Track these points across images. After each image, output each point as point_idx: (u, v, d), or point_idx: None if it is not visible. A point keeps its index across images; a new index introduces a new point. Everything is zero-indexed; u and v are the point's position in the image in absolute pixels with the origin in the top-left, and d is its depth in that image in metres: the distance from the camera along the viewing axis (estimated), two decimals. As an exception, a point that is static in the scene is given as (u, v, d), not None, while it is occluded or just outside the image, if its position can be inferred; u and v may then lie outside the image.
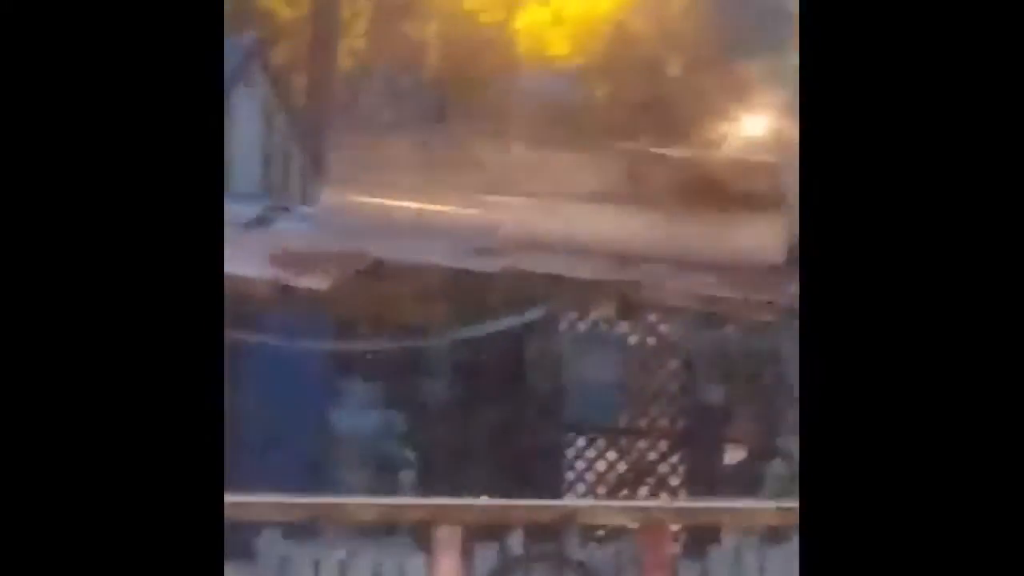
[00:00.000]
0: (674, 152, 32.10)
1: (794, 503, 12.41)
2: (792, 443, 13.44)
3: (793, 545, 11.95)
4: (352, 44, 32.28)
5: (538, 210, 16.81)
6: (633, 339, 14.96)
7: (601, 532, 12.15)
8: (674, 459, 14.93)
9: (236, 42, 27.84)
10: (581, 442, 15.10)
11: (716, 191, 19.18)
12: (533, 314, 13.19)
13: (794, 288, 13.15)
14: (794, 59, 33.51)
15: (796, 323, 12.94)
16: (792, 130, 31.81)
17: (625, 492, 14.49)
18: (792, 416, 13.25)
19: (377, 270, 12.63)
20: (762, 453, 14.12)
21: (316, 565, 11.60)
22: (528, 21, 30.59)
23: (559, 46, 30.62)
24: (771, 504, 12.64)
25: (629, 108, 31.30)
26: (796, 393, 12.94)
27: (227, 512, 11.55)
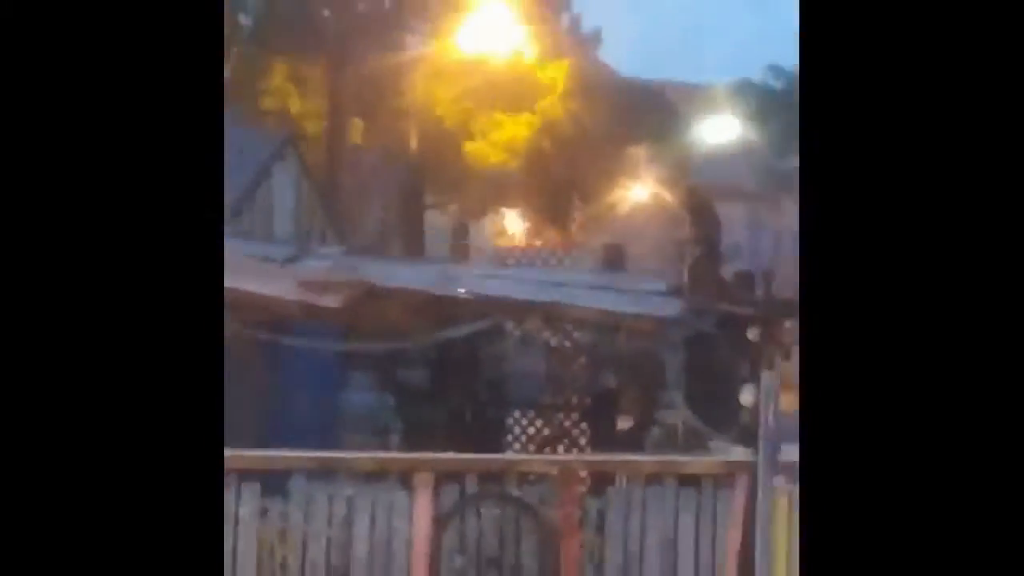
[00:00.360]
0: (579, 217, 32.32)
1: (670, 457, 12.49)
2: (666, 415, 13.45)
3: (667, 486, 12.07)
4: (355, 140, 32.28)
5: (487, 253, 16.94)
6: (554, 342, 14.97)
7: (531, 477, 12.13)
8: (582, 426, 14.94)
9: (276, 136, 27.88)
10: (517, 414, 15.12)
11: (614, 244, 19.14)
12: (484, 324, 13.18)
13: (671, 306, 13.26)
14: (668, 144, 33.33)
15: (669, 331, 13.00)
16: (666, 195, 31.92)
17: (548, 449, 14.47)
18: (663, 396, 13.23)
19: (374, 293, 12.61)
20: (643, 422, 14.11)
21: (330, 500, 11.55)
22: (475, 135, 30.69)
23: (496, 154, 30.65)
24: (650, 458, 12.69)
25: (552, 181, 31.31)
26: (667, 378, 13.04)
27: (268, 463, 11.56)
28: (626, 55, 35.22)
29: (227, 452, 11.42)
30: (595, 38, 34.63)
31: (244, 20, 31.21)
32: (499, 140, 30.33)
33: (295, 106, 31.25)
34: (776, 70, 30.24)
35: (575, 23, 34.21)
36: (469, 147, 30.31)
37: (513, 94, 30.36)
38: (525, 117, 30.34)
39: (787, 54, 30.33)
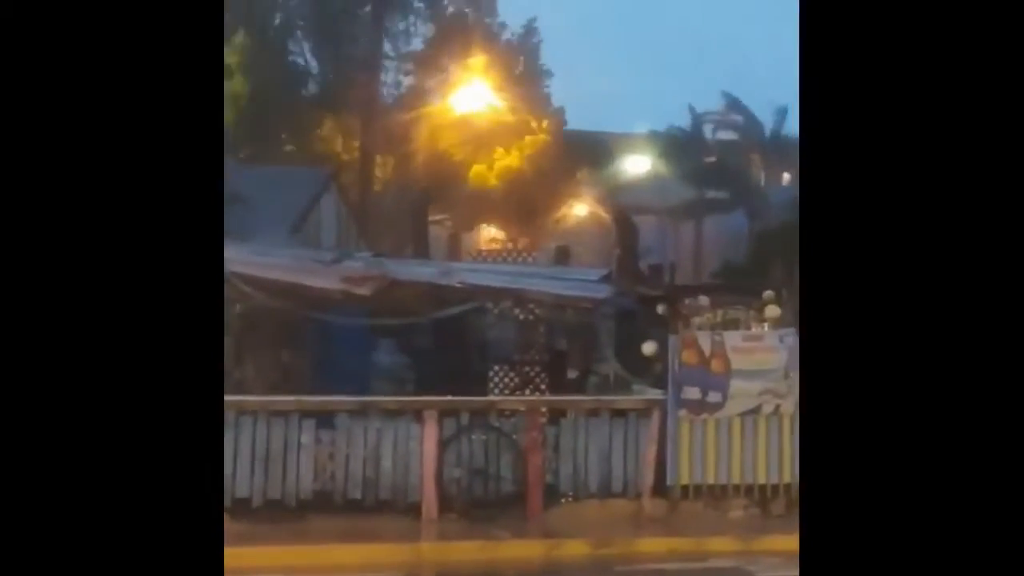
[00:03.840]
0: (538, 227, 32.25)
1: (605, 397, 12.50)
2: (601, 368, 13.46)
3: (603, 417, 12.14)
4: (381, 173, 32.19)
5: (473, 254, 16.97)
6: (521, 317, 14.95)
7: (507, 412, 12.14)
8: (542, 376, 14.93)
9: (323, 170, 27.80)
10: (496, 368, 15.07)
11: (563, 246, 19.09)
12: (472, 305, 13.19)
13: (603, 290, 13.34)
14: (602, 175, 33.27)
15: (602, 308, 13.09)
16: (600, 211, 31.93)
17: (518, 392, 14.47)
18: (599, 354, 13.23)
19: (394, 284, 12.61)
20: (584, 373, 14.13)
21: (365, 431, 11.59)
22: (475, 165, 30.57)
23: (489, 178, 30.53)
24: (591, 398, 12.71)
25: (520, 203, 31.24)
26: (602, 341, 13.13)
27: (321, 405, 11.53)
28: (573, 109, 34.91)
29: (291, 397, 11.52)
30: (552, 101, 34.53)
31: (312, 88, 31.12)
32: (499, 167, 30.26)
33: (338, 149, 31.27)
34: (681, 120, 30.27)
35: (542, 90, 34.12)
36: (474, 170, 30.21)
37: (493, 138, 30.31)
38: (513, 152, 30.27)
39: (682, 113, 30.43)
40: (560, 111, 34.15)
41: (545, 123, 31.79)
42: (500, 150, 30.28)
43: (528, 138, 30.72)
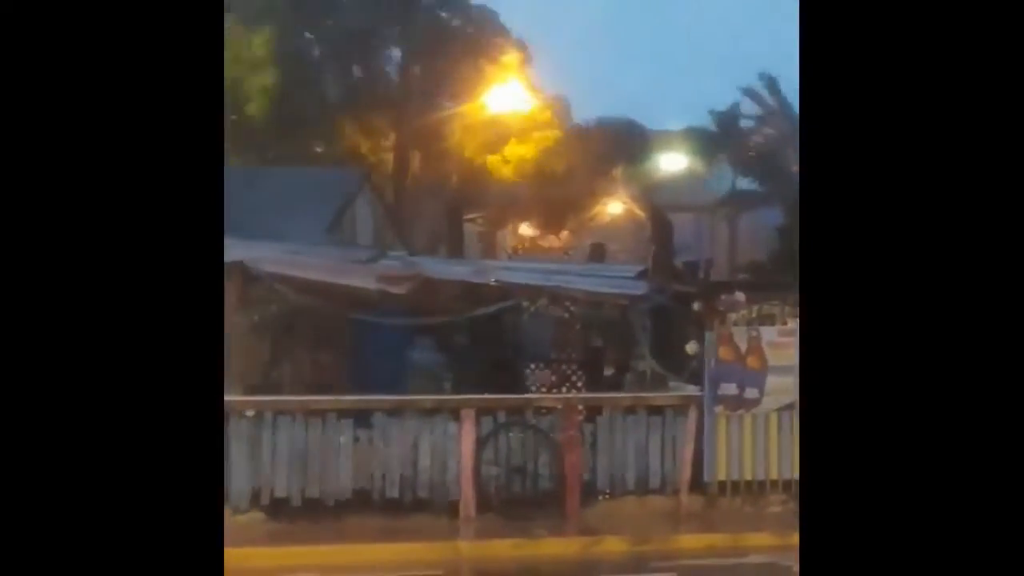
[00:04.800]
0: (572, 224, 32.23)
1: (641, 394, 12.47)
2: (638, 364, 13.42)
3: (639, 414, 12.12)
4: (413, 173, 32.23)
5: (507, 252, 16.96)
6: (557, 314, 14.92)
7: (544, 410, 12.14)
8: (579, 373, 14.89)
9: (357, 171, 27.84)
10: (533, 366, 15.05)
11: (598, 243, 19.04)
12: (508, 303, 13.18)
13: (639, 287, 13.27)
14: (638, 167, 33.08)
15: (638, 305, 13.04)
16: (635, 208, 31.83)
17: (555, 390, 14.44)
18: (636, 351, 13.18)
19: (429, 283, 12.61)
20: (621, 370, 14.07)
21: (402, 430, 11.62)
22: (495, 160, 30.57)
23: (512, 174, 30.54)
24: (628, 395, 12.68)
25: (555, 200, 31.20)
26: (638, 338, 13.08)
27: (358, 404, 11.56)
28: (608, 106, 34.91)
29: (328, 397, 11.56)
30: (585, 99, 34.55)
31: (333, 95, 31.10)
32: (511, 156, 30.24)
33: (371, 150, 31.29)
34: (715, 116, 30.05)
35: (574, 88, 34.24)
36: (490, 160, 30.23)
37: (519, 131, 30.29)
38: (531, 142, 30.24)
39: (721, 104, 30.22)
40: (594, 108, 34.17)
41: (576, 121, 31.78)
42: (513, 140, 30.29)
43: (553, 130, 30.68)
